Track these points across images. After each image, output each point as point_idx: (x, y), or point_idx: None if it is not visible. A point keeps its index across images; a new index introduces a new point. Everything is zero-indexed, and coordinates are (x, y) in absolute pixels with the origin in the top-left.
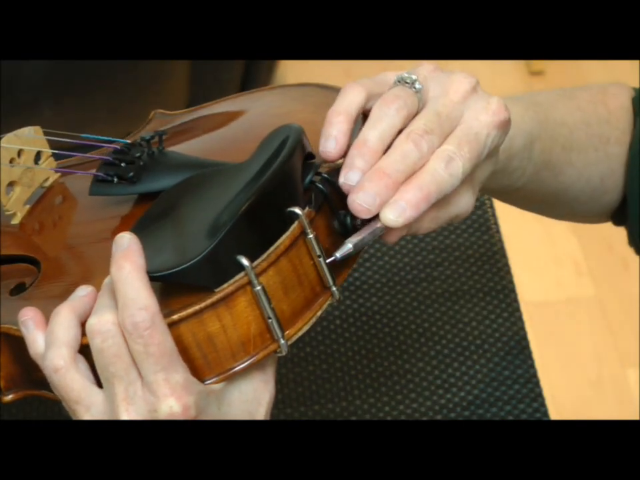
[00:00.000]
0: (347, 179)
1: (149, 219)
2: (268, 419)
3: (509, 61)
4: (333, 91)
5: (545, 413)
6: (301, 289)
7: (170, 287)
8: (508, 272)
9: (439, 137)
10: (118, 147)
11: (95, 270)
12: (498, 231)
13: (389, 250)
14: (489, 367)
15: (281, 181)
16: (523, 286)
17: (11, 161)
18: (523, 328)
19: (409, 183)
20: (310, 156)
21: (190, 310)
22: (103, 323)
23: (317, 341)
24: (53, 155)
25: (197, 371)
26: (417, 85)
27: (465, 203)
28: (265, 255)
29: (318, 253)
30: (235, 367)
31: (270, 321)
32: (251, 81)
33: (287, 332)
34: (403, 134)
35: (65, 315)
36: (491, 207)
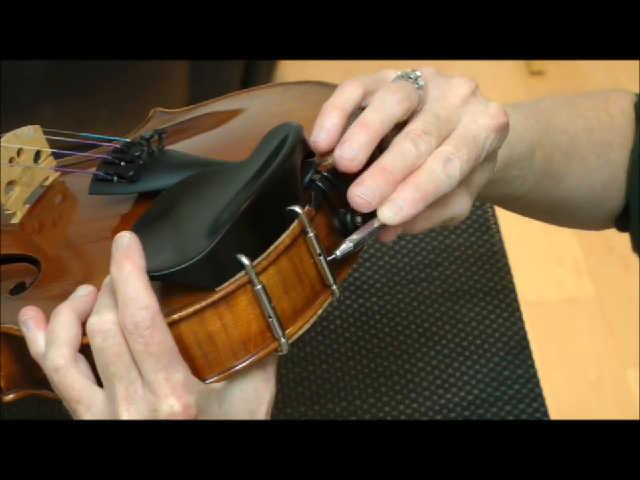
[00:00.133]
0: (343, 151)
1: (148, 218)
2: (269, 417)
3: (509, 61)
4: (332, 89)
5: (545, 413)
6: (302, 288)
7: (170, 286)
8: (508, 272)
9: (437, 138)
10: (117, 146)
11: (95, 269)
12: (498, 231)
13: (389, 250)
14: (489, 367)
15: (281, 180)
16: (522, 286)
17: (11, 160)
18: (523, 328)
19: (406, 182)
20: (310, 154)
21: (190, 309)
22: (103, 322)
23: (316, 340)
24: (53, 154)
25: (198, 370)
26: (420, 82)
27: (460, 205)
28: (265, 254)
29: (318, 251)
30: (236, 366)
31: (270, 319)
32: (250, 81)
33: (288, 331)
34: (402, 134)
35: (66, 315)
36: (491, 207)
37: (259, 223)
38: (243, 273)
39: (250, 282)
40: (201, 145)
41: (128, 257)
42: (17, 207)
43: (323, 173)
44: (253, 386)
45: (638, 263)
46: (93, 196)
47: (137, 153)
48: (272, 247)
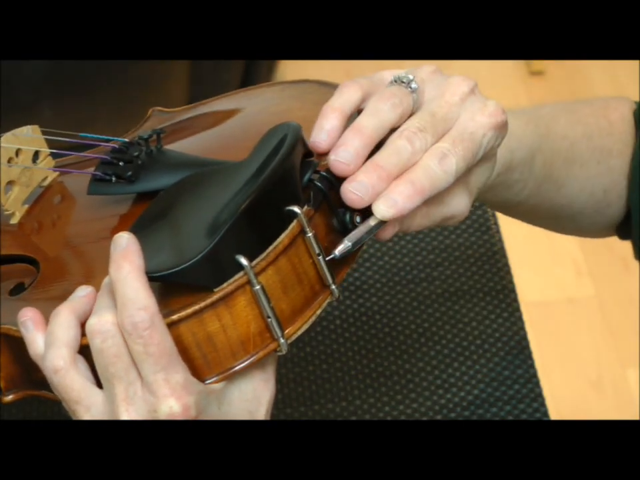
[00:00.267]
0: (338, 155)
1: (147, 219)
2: (268, 418)
3: (509, 61)
4: (331, 88)
5: (545, 413)
6: (301, 288)
7: (169, 286)
8: (508, 272)
9: (433, 135)
10: (116, 146)
11: (94, 269)
12: (498, 231)
13: (389, 250)
14: (489, 367)
15: (280, 180)
16: (522, 286)
17: (9, 160)
18: (523, 328)
19: (401, 177)
20: (308, 154)
21: (189, 310)
22: (102, 323)
23: (316, 340)
24: (51, 154)
25: (197, 371)
26: (413, 85)
27: (458, 204)
28: (264, 254)
29: (317, 251)
30: (235, 367)
31: (269, 320)
32: (250, 81)
33: (287, 331)
34: (397, 132)
35: (65, 316)
36: None
37: (257, 223)
38: (241, 273)
39: (249, 282)
40: (200, 145)
41: (126, 258)
42: (15, 207)
43: (321, 172)
44: (252, 386)
45: (638, 263)
46: (91, 196)
47: (136, 153)
48: (271, 247)
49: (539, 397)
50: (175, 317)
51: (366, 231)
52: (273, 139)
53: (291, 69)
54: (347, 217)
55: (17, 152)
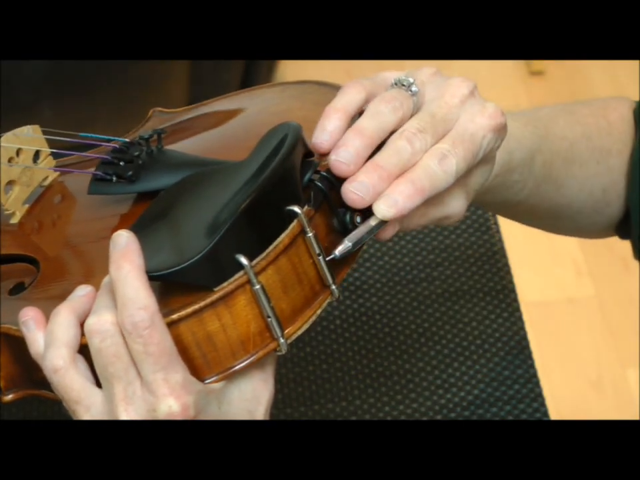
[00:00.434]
0: (339, 155)
1: (147, 218)
2: (267, 417)
3: (509, 61)
4: (331, 88)
5: (545, 413)
6: (301, 288)
7: (169, 286)
8: (508, 272)
9: (432, 136)
10: (117, 145)
11: (94, 269)
12: (498, 231)
13: (389, 250)
14: (489, 367)
15: (280, 180)
16: (522, 286)
17: (10, 160)
18: (523, 328)
19: (402, 177)
20: (309, 154)
21: (189, 309)
22: (101, 323)
23: (316, 340)
24: (52, 154)
25: (197, 370)
26: (413, 88)
27: (456, 205)
28: (264, 254)
29: (317, 251)
30: (235, 366)
31: (269, 319)
32: (250, 81)
33: (287, 330)
34: (397, 133)
35: (65, 315)
36: None
37: (258, 222)
38: (241, 272)
39: (249, 282)
40: (200, 145)
41: (126, 257)
42: (16, 206)
43: (322, 172)
44: (252, 386)
45: (638, 263)
46: (92, 196)
47: (136, 153)
48: (271, 247)
49: (538, 397)
50: (174, 316)
51: (366, 231)
52: (273, 139)
53: (290, 69)
54: (347, 217)
55: (18, 152)
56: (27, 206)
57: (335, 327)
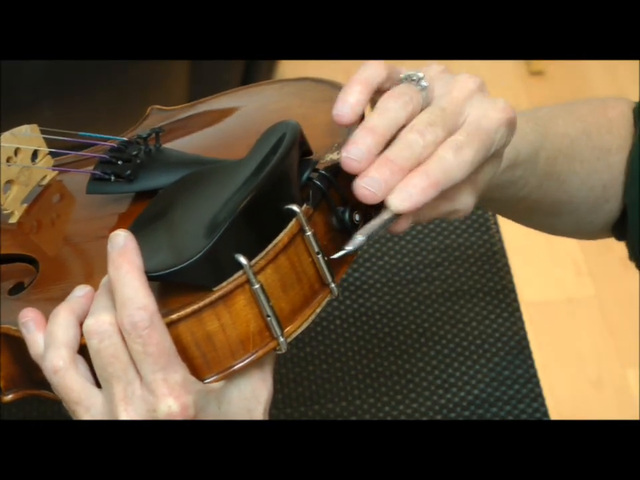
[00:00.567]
0: (350, 153)
1: (146, 217)
2: (267, 417)
3: (509, 61)
4: (330, 86)
5: (545, 413)
6: (300, 287)
7: (168, 286)
8: (508, 272)
9: (443, 129)
10: (115, 144)
11: (93, 268)
12: (498, 231)
13: (389, 250)
14: (488, 367)
15: (279, 179)
16: (522, 286)
17: (8, 159)
18: (523, 328)
19: (416, 170)
20: (307, 152)
21: (188, 309)
22: (100, 323)
23: (316, 341)
24: (50, 153)
25: (196, 370)
26: (423, 83)
27: (465, 200)
28: (263, 253)
29: (316, 250)
30: (234, 366)
31: (269, 319)
32: (250, 81)
33: (286, 330)
34: (407, 127)
35: (64, 316)
36: None
37: (256, 221)
38: (240, 272)
39: (248, 281)
40: (199, 143)
41: (125, 257)
42: (14, 206)
43: (320, 171)
44: (251, 385)
45: None
46: (90, 195)
47: (134, 152)
48: (270, 246)
49: (538, 397)
50: (174, 316)
51: (379, 224)
52: (272, 138)
53: (290, 69)
54: (347, 215)
55: (16, 151)
56: (25, 205)
57: (335, 327)
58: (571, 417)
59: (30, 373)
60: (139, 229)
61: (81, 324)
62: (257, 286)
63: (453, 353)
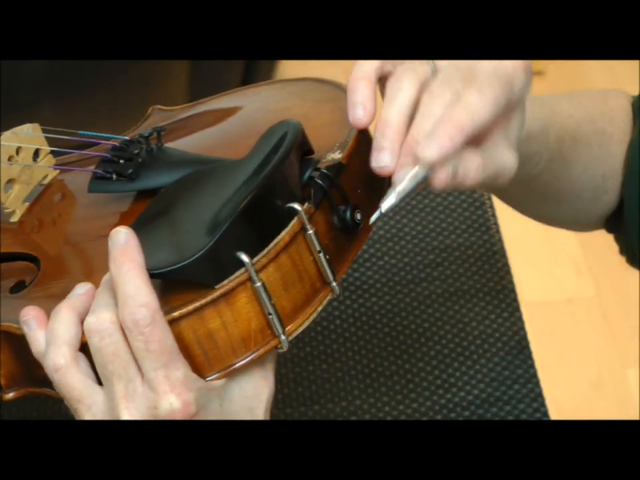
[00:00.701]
0: (378, 161)
1: (148, 216)
2: (268, 415)
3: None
4: (331, 86)
5: (545, 413)
6: (301, 285)
7: (170, 283)
8: (508, 272)
9: (461, 81)
10: (116, 144)
11: (94, 267)
12: (498, 231)
13: (389, 250)
14: (488, 367)
15: (280, 177)
16: (523, 286)
17: (10, 158)
18: (522, 328)
19: (441, 120)
20: (309, 151)
21: (190, 307)
22: (100, 321)
23: (316, 340)
24: (52, 152)
25: (198, 368)
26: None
27: (504, 156)
28: (264, 251)
29: (318, 248)
30: (236, 363)
31: (270, 317)
32: (250, 81)
33: (288, 328)
34: (426, 96)
35: (65, 314)
36: (491, 206)
37: (258, 220)
38: (242, 270)
39: (250, 279)
40: (200, 143)
41: (126, 255)
42: (16, 205)
43: (322, 170)
44: (253, 383)
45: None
46: (92, 194)
47: (136, 151)
48: (271, 245)
49: (538, 397)
50: (175, 313)
51: (409, 180)
52: (273, 137)
53: (290, 69)
54: (348, 214)
55: (18, 150)
56: (27, 204)
57: (335, 327)
58: (570, 417)
59: (31, 371)
60: (140, 227)
61: (83, 322)
62: (258, 284)
63: (453, 353)
